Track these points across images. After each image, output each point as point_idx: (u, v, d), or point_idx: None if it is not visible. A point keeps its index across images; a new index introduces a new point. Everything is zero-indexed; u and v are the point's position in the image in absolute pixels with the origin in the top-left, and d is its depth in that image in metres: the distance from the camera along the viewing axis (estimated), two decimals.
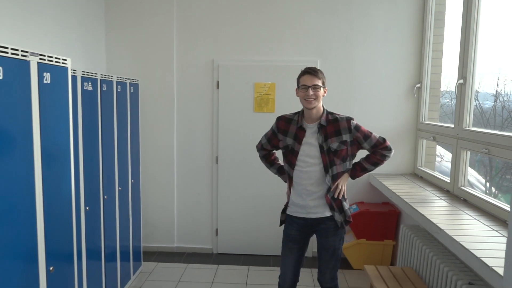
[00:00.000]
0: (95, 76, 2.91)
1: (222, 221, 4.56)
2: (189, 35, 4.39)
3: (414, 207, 3.05)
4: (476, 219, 2.73)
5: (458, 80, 3.28)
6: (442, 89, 4.33)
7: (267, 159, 2.89)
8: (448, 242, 2.44)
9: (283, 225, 2.78)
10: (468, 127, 3.22)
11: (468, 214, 2.85)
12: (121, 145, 3.45)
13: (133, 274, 3.87)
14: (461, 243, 2.27)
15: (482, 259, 2.04)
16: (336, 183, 2.58)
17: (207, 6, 4.34)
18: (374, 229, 4.14)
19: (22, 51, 1.57)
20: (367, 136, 2.61)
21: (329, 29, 4.29)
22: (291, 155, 2.61)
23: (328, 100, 4.31)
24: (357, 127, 2.60)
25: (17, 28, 2.87)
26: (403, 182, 3.97)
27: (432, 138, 3.91)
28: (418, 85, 4.24)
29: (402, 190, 3.61)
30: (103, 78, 3.05)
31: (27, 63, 1.62)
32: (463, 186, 3.29)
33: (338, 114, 2.61)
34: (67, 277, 2.16)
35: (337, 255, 2.66)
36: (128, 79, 3.61)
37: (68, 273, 2.17)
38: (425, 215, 2.83)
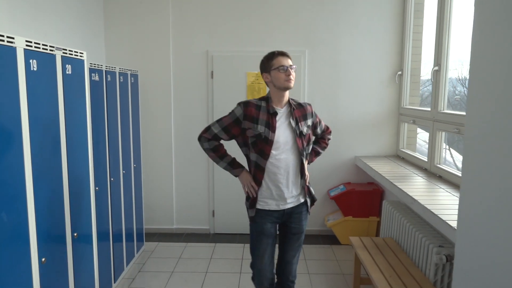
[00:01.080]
0: (101, 67, 3.16)
1: (219, 203, 4.85)
2: (185, 27, 4.63)
3: (394, 183, 3.37)
4: (447, 192, 3.06)
5: (433, 67, 3.58)
6: (422, 76, 4.64)
7: (218, 151, 2.57)
8: (420, 211, 2.76)
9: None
10: (443, 110, 3.53)
11: (441, 188, 3.17)
12: (124, 132, 3.71)
13: (137, 252, 4.16)
14: (431, 210, 2.59)
15: (448, 222, 2.36)
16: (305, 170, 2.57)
17: (201, 0, 4.58)
18: (360, 207, 4.46)
19: (50, 46, 1.83)
20: (320, 121, 2.71)
21: (316, 21, 4.56)
22: (264, 144, 2.42)
23: (315, 87, 4.62)
24: (315, 113, 2.66)
25: (27, 23, 3.10)
26: (386, 162, 4.29)
27: (412, 121, 4.22)
28: (400, 73, 4.55)
29: (385, 170, 3.93)
30: (108, 70, 3.30)
31: (53, 57, 1.88)
32: (439, 164, 3.62)
33: (297, 100, 2.63)
34: (87, 254, 2.44)
35: (302, 239, 2.65)
36: (129, 70, 3.86)
37: (87, 252, 2.45)
38: (403, 189, 3.15)
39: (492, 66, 1.52)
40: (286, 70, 2.43)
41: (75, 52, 2.10)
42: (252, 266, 2.63)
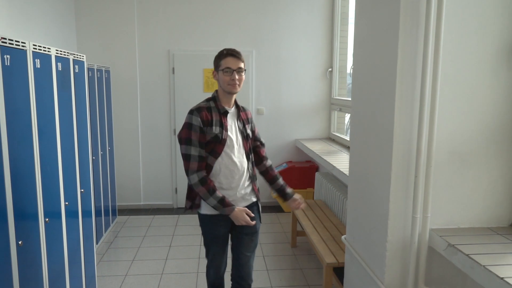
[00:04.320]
0: (83, 63, 3.84)
1: (180, 181, 5.63)
2: (148, 28, 5.34)
3: (323, 157, 4.31)
4: None
5: (352, 65, 4.56)
6: (348, 71, 5.64)
7: (206, 183, 2.31)
8: (338, 174, 3.71)
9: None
10: None
11: None
12: (101, 119, 4.40)
13: (112, 223, 4.87)
14: (344, 171, 3.54)
15: None
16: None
17: (163, 5, 5.30)
18: (299, 180, 5.41)
19: (67, 52, 2.55)
20: (255, 128, 2.65)
21: (261, 25, 5.43)
22: (218, 144, 2.34)
23: (261, 82, 5.50)
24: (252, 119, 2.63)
25: (10, 17, 3.71)
26: (320, 143, 5.26)
27: (339, 109, 5.21)
28: (330, 69, 5.52)
29: (318, 148, 4.88)
30: (89, 66, 3.98)
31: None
32: None
33: (240, 104, 2.56)
34: (74, 223, 3.04)
35: (256, 241, 2.59)
36: (103, 66, 4.55)
37: (74, 221, 3.07)
38: (328, 161, 4.09)
39: (364, 68, 2.45)
40: (232, 74, 2.31)
41: (78, 55, 2.82)
42: (207, 269, 2.66)
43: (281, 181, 2.66)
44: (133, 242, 4.44)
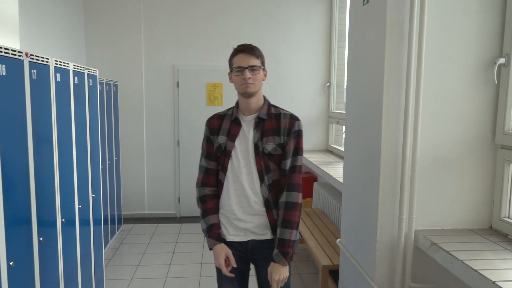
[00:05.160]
0: (96, 77, 4.07)
1: (183, 191, 5.81)
2: (154, 44, 5.59)
3: (321, 168, 4.50)
4: None
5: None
6: (345, 86, 5.87)
7: (204, 202, 2.05)
8: (333, 182, 3.90)
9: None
10: None
11: None
12: (109, 130, 4.61)
13: (117, 231, 5.04)
14: (338, 179, 3.73)
15: None
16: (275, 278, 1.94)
17: (168, 22, 5.56)
18: None
19: (74, 65, 2.77)
20: (296, 150, 2.00)
21: (262, 40, 5.67)
22: (223, 156, 2.03)
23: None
24: (298, 133, 2.01)
25: (28, 33, 3.96)
26: (318, 155, 5.45)
27: (337, 122, 5.43)
28: (328, 84, 5.75)
29: (316, 159, 5.08)
30: (99, 80, 4.21)
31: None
32: None
33: (284, 110, 2.10)
34: (85, 231, 3.31)
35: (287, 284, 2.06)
36: (111, 80, 4.78)
37: (86, 228, 3.32)
38: (325, 170, 4.29)
39: (356, 83, 2.66)
40: (243, 72, 1.96)
41: (92, 69, 3.05)
42: None
43: (279, 233, 1.96)
44: (138, 248, 4.61)
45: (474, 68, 2.18)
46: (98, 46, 5.51)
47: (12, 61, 1.85)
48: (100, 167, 4.38)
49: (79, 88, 2.81)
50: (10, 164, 1.82)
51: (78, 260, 2.79)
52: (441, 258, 2.00)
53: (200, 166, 2.12)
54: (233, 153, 2.01)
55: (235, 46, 2.05)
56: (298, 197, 1.99)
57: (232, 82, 2.07)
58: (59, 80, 2.40)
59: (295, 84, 5.76)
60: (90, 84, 3.01)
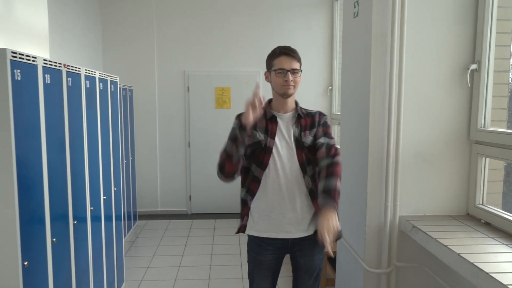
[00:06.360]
0: (116, 84, 4.44)
1: (194, 189, 6.16)
2: (166, 52, 5.96)
3: None
4: None
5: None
6: None
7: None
8: None
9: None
10: None
11: None
12: (125, 132, 4.97)
13: (133, 226, 5.40)
14: None
15: None
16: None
17: (179, 31, 5.93)
18: None
19: (93, 71, 3.12)
20: (326, 133, 2.12)
21: (266, 47, 5.93)
22: (263, 153, 2.08)
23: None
24: (326, 123, 2.17)
25: (52, 42, 4.34)
26: None
27: (338, 123, 5.73)
28: (330, 87, 6.07)
29: None
30: (120, 86, 4.57)
31: (94, 78, 3.18)
32: None
33: (309, 109, 2.24)
34: (109, 224, 3.67)
35: (320, 278, 2.24)
36: (127, 86, 5.15)
37: (108, 222, 3.69)
38: None
39: (349, 87, 2.98)
40: (285, 75, 2.07)
41: (113, 76, 3.40)
42: None
43: (323, 184, 1.93)
44: (153, 241, 4.96)
45: (449, 73, 2.49)
46: (115, 55, 5.89)
47: (54, 71, 2.19)
48: (124, 161, 4.72)
49: (103, 93, 3.16)
50: (51, 164, 2.16)
51: (103, 248, 3.13)
52: (420, 238, 2.30)
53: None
54: (274, 150, 2.08)
55: (276, 48, 2.13)
56: (339, 158, 2.02)
57: (268, 81, 2.18)
58: (88, 86, 2.75)
59: (299, 87, 6.05)
60: (112, 89, 3.36)
